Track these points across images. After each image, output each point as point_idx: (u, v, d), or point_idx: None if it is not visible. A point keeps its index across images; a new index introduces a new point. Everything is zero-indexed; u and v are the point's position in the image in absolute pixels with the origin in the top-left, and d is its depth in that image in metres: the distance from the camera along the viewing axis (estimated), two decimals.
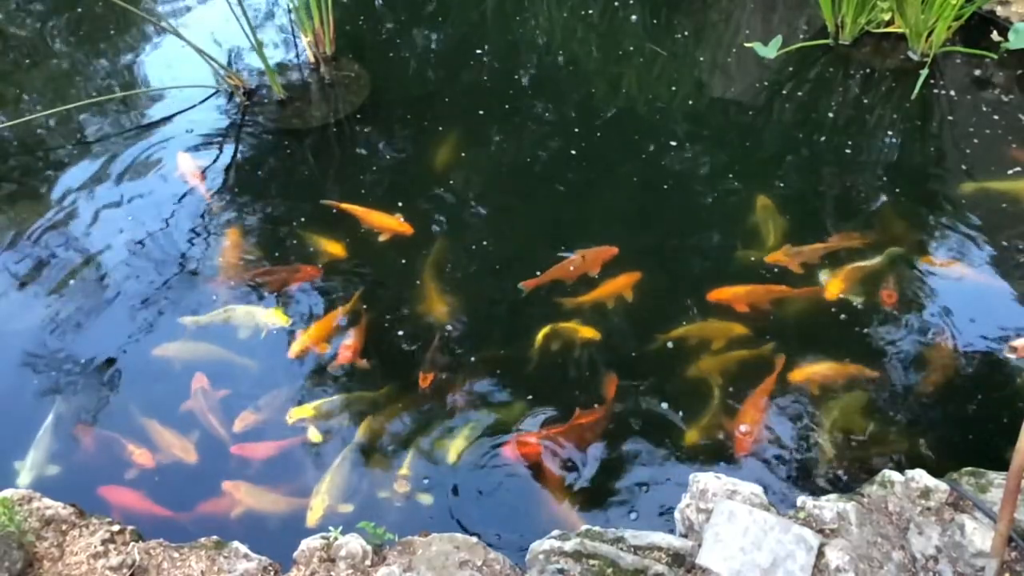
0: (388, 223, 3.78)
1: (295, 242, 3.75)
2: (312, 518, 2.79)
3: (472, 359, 3.29)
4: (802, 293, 3.49)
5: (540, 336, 3.34)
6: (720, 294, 3.45)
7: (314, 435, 3.04)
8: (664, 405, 3.13)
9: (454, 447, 2.98)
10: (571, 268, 3.58)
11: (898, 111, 4.49)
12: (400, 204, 3.89)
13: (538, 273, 3.56)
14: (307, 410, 3.11)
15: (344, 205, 3.86)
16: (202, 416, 3.10)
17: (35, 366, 3.29)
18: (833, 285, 3.47)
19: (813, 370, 3.22)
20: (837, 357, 3.26)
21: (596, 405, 3.11)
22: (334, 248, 3.70)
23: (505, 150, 4.30)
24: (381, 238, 3.74)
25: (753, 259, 3.63)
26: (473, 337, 3.38)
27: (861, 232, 3.76)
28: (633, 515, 2.82)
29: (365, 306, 3.46)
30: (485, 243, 3.75)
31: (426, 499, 2.87)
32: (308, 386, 3.23)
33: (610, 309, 3.45)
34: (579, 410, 3.06)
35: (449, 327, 3.39)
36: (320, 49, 4.72)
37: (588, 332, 3.33)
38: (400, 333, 3.39)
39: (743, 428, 3.02)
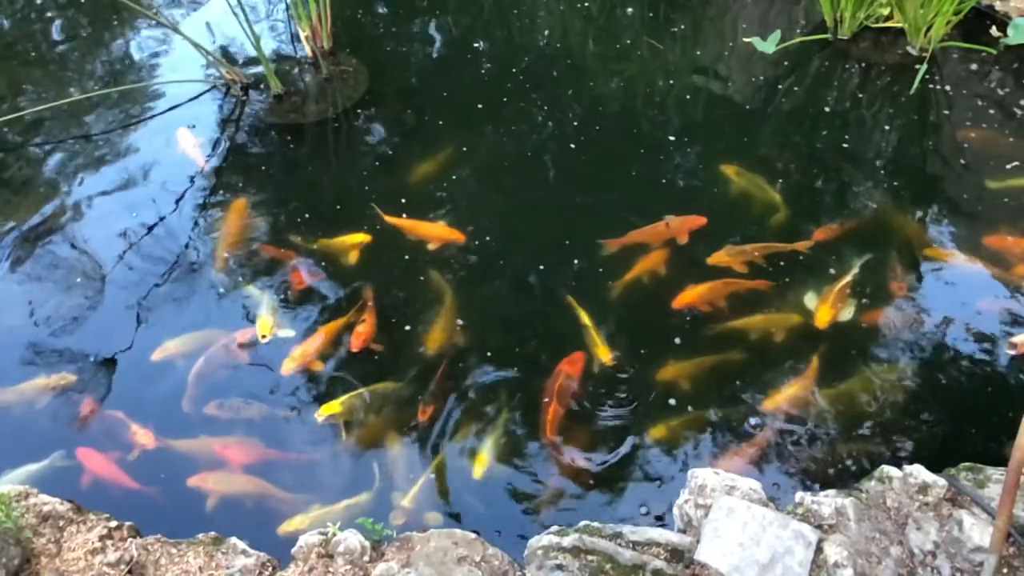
0: (438, 233, 3.72)
1: (299, 240, 3.74)
2: (286, 527, 2.75)
3: (478, 363, 3.27)
4: (760, 284, 3.47)
5: (570, 300, 3.41)
6: (684, 299, 3.41)
7: (344, 435, 3.03)
8: (672, 401, 3.12)
9: (478, 463, 2.95)
10: (656, 234, 3.63)
11: (896, 106, 4.48)
12: (403, 201, 3.87)
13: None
14: (335, 406, 3.07)
15: (389, 218, 3.79)
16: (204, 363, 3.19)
17: (33, 359, 3.28)
18: (823, 313, 3.36)
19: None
20: (836, 354, 3.25)
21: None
22: (336, 246, 3.68)
23: (504, 144, 4.29)
24: (428, 244, 3.69)
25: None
26: (479, 342, 3.35)
27: (853, 223, 3.77)
28: (635, 510, 2.82)
29: (371, 303, 3.44)
30: (488, 238, 3.74)
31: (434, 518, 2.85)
32: (317, 382, 3.22)
33: (619, 305, 3.45)
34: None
35: (458, 323, 3.37)
36: (318, 43, 4.70)
37: (605, 354, 3.24)
38: (407, 328, 3.37)
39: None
